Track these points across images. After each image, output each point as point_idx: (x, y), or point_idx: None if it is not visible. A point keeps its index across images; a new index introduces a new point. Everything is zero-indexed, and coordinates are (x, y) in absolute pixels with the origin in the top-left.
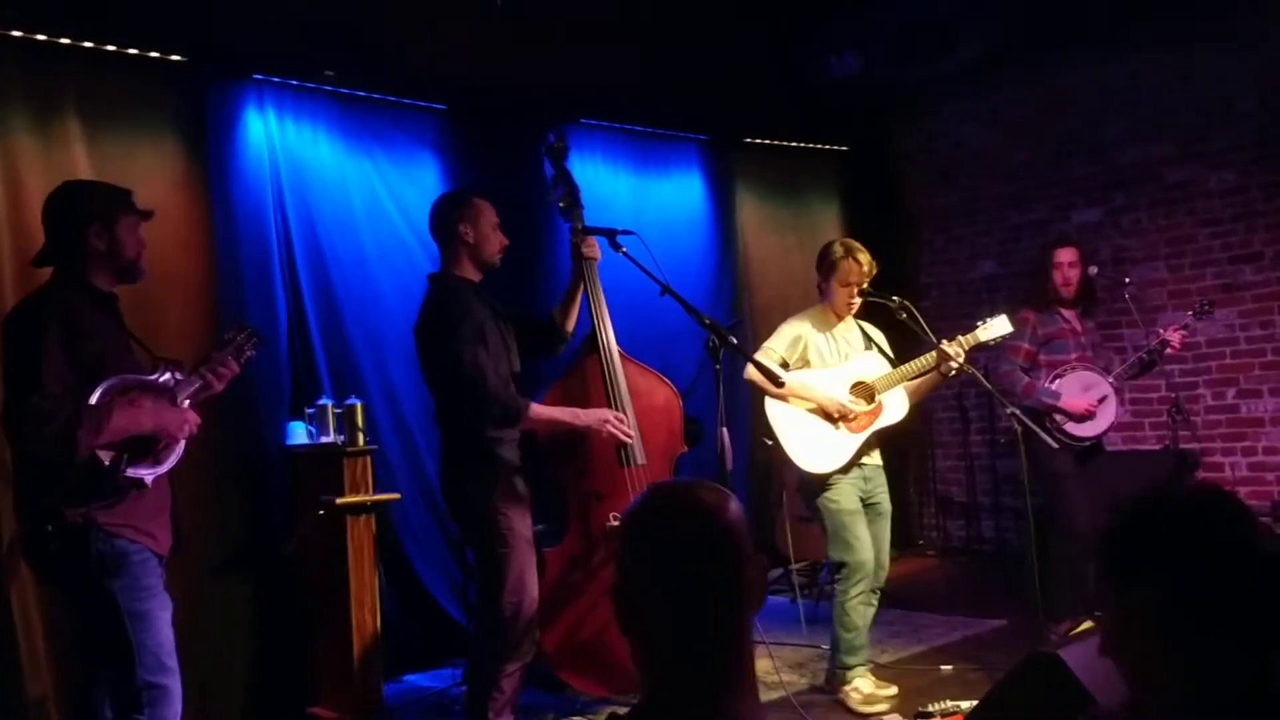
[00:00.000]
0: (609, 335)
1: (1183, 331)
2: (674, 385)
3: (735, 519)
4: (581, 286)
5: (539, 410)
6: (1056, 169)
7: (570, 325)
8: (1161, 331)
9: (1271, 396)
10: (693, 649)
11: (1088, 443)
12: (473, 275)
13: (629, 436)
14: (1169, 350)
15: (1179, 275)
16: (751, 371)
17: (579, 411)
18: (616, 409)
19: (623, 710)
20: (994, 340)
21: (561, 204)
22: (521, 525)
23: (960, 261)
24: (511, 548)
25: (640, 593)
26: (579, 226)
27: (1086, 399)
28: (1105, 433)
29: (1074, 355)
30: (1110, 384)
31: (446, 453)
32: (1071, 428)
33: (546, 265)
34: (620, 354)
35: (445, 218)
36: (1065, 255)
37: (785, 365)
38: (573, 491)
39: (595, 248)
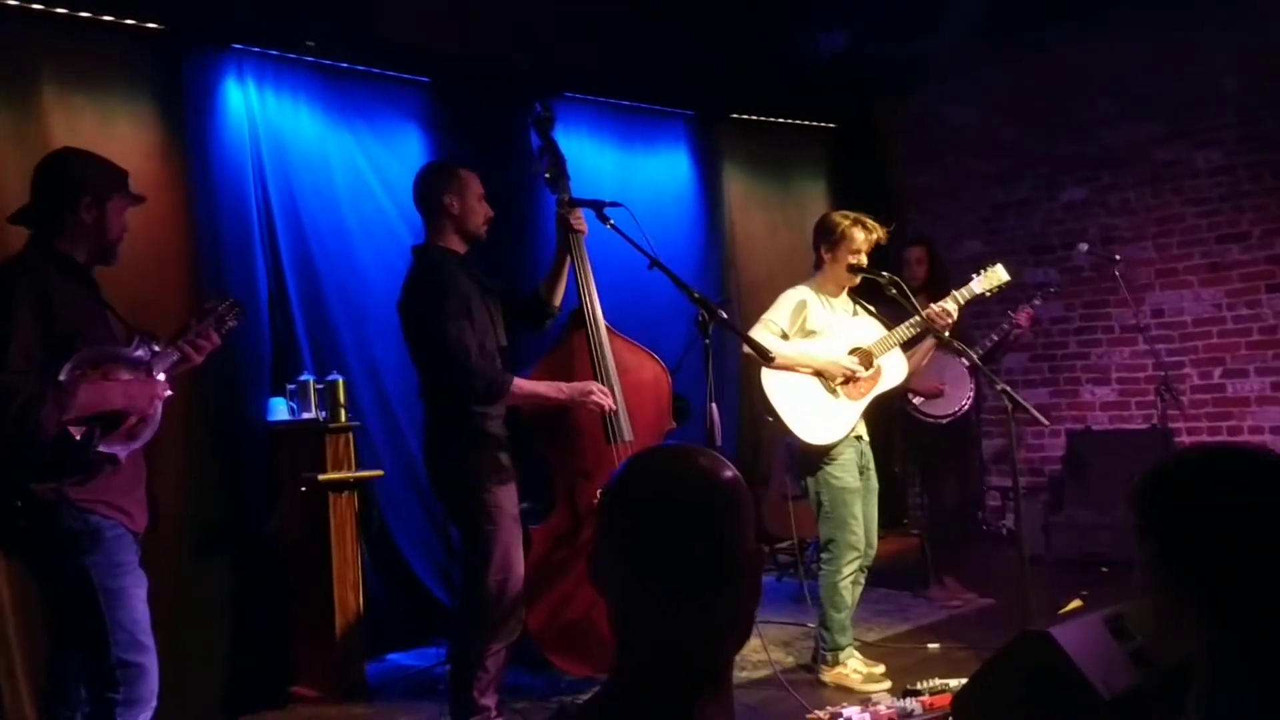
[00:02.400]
0: (596, 310)
1: (1030, 312)
2: (662, 361)
3: (731, 483)
4: (568, 260)
5: (523, 385)
6: (1043, 147)
7: (557, 300)
8: (1013, 314)
9: (1257, 376)
10: (675, 631)
11: (945, 420)
12: (458, 247)
13: (611, 407)
14: (1018, 330)
15: (1166, 254)
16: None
17: (562, 385)
18: (603, 384)
19: (584, 697)
20: (990, 291)
21: (547, 175)
22: (507, 502)
23: (946, 240)
24: (497, 525)
25: (618, 563)
26: (565, 198)
27: (933, 380)
28: (960, 411)
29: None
30: (964, 365)
31: (431, 428)
32: (926, 406)
33: (531, 240)
34: (608, 329)
35: (430, 189)
36: (912, 254)
37: (785, 338)
38: (559, 469)
39: (582, 220)
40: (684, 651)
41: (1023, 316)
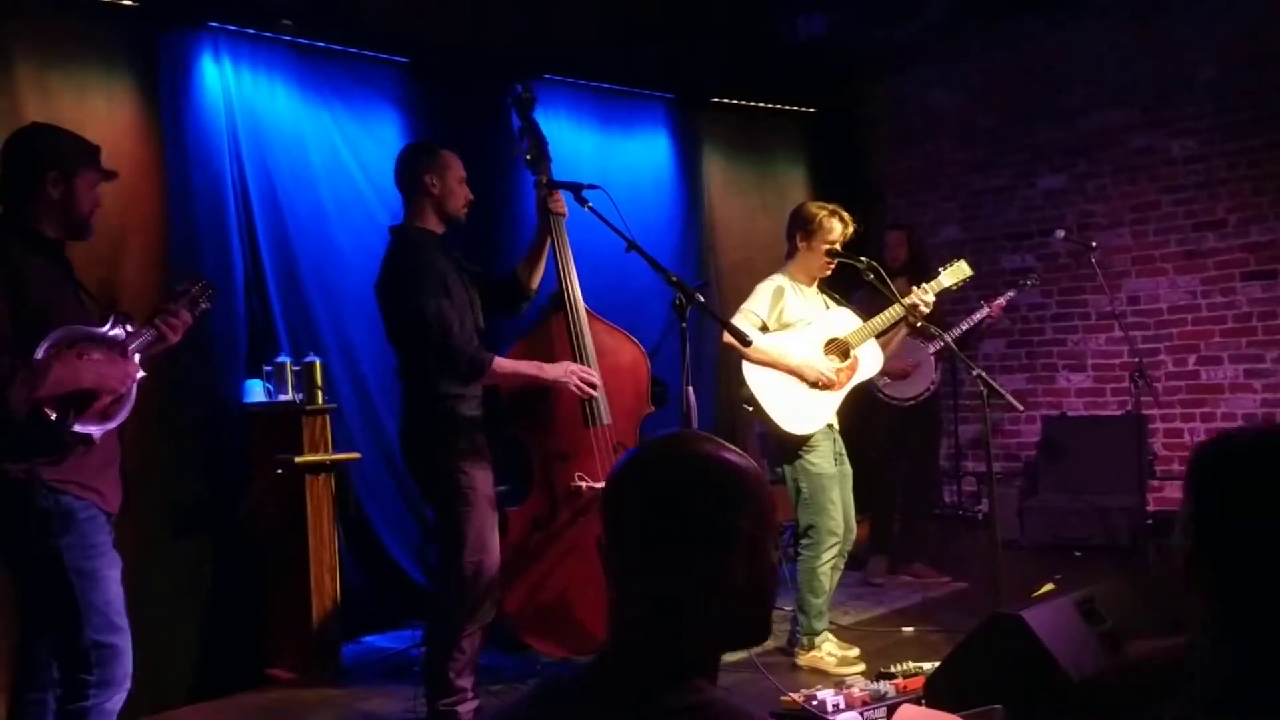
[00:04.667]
0: (575, 292)
1: (1003, 302)
2: (641, 345)
3: (726, 472)
4: (548, 242)
5: (503, 364)
6: (1021, 135)
7: (534, 282)
8: (986, 304)
9: (1231, 363)
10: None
11: (909, 403)
12: (435, 228)
13: (592, 392)
14: (989, 319)
15: (1143, 241)
16: (728, 336)
17: (544, 365)
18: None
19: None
20: (957, 284)
21: (528, 156)
22: (483, 484)
23: (924, 226)
24: (473, 506)
25: (627, 555)
26: (545, 180)
27: (901, 362)
28: (924, 395)
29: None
30: (931, 352)
31: (407, 410)
32: (891, 389)
33: (510, 223)
34: (587, 312)
35: (411, 168)
36: (892, 237)
37: (765, 329)
38: (536, 451)
39: (562, 203)
40: (681, 614)
41: (996, 305)
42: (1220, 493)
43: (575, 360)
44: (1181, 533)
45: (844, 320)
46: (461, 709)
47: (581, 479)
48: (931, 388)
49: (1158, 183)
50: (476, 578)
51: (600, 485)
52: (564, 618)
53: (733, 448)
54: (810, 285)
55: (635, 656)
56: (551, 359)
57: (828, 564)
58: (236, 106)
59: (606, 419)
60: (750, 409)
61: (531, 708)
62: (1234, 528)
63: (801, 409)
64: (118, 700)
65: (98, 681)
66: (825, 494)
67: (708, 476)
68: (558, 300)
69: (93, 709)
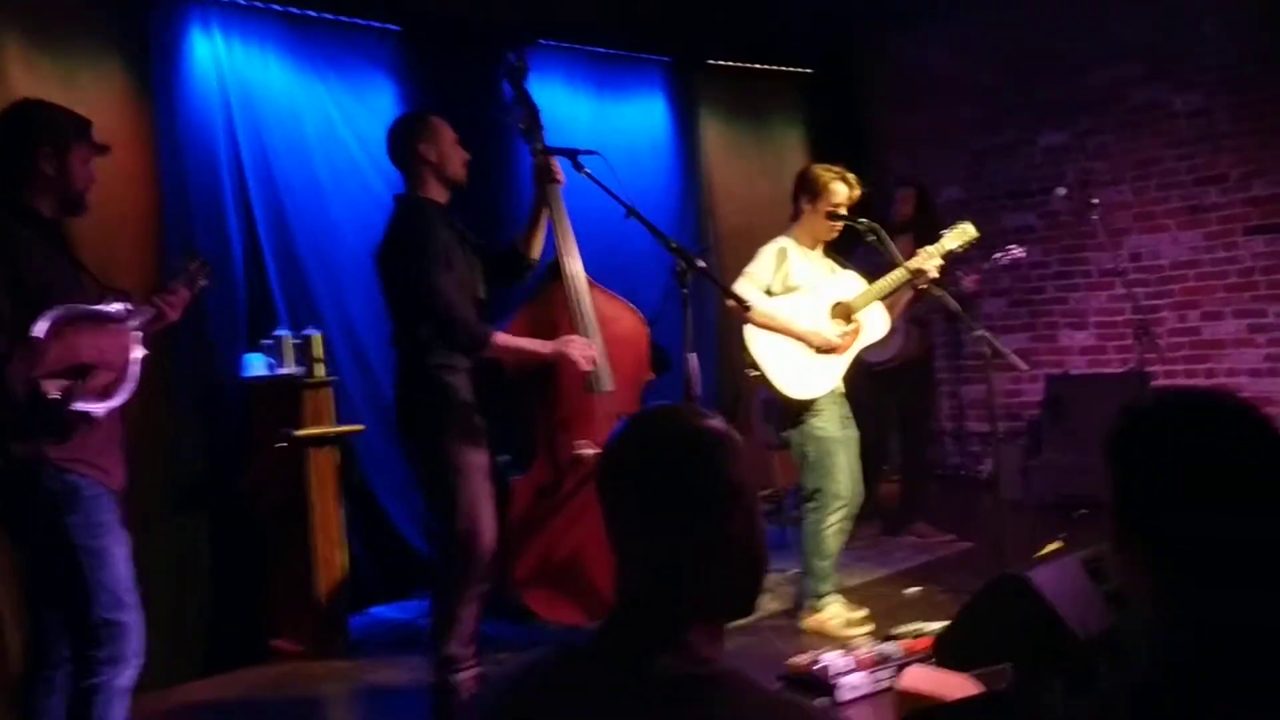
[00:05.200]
0: (574, 261)
1: (978, 276)
2: (640, 312)
3: (715, 436)
4: (545, 211)
5: (504, 339)
6: (1023, 92)
7: (535, 252)
8: (961, 275)
9: (1234, 319)
10: (665, 576)
11: (880, 367)
12: (439, 196)
13: (590, 367)
14: (969, 292)
15: (1145, 198)
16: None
17: (544, 342)
18: (583, 336)
19: None
20: (961, 246)
21: (522, 125)
22: (475, 455)
23: (926, 186)
24: (464, 474)
25: (621, 519)
26: (540, 148)
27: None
28: (894, 359)
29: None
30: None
31: (400, 380)
32: (867, 352)
33: (508, 191)
34: (587, 280)
35: (404, 140)
36: (901, 193)
37: (769, 293)
38: (539, 419)
39: (559, 171)
40: (680, 576)
41: (969, 280)
42: (1148, 467)
43: (575, 328)
44: (1111, 513)
45: (849, 284)
46: (460, 678)
47: (585, 446)
48: (902, 353)
49: (1160, 138)
50: (469, 547)
51: None
52: (576, 583)
53: (714, 416)
54: (814, 249)
55: (639, 621)
56: (552, 327)
57: (833, 527)
58: (229, 79)
59: (609, 385)
60: (755, 374)
61: (534, 674)
62: (1165, 503)
63: (807, 374)
64: (129, 676)
65: (108, 658)
66: (832, 458)
67: (702, 442)
68: (556, 269)
69: (104, 685)
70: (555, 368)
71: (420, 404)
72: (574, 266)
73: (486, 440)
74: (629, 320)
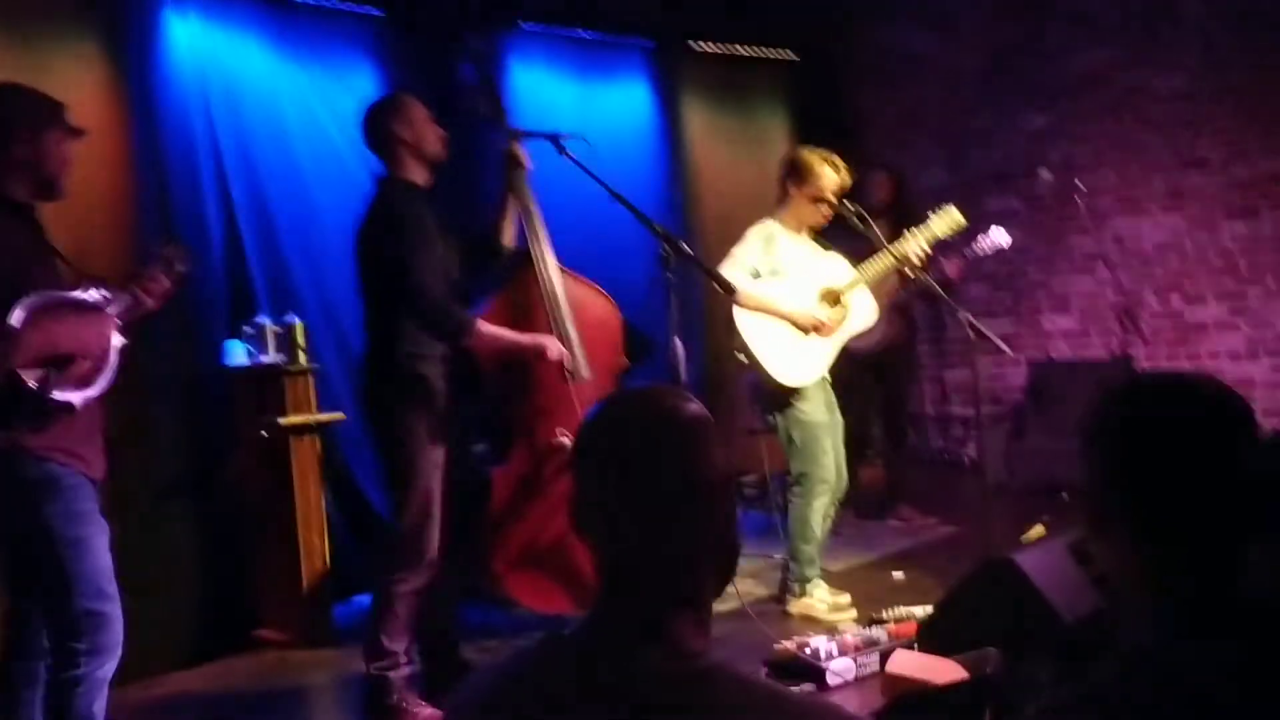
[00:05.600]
0: (544, 248)
1: (959, 263)
2: (614, 299)
3: (693, 420)
4: (513, 198)
5: (486, 329)
6: (1005, 76)
7: (506, 239)
8: (943, 260)
9: (1216, 302)
10: (644, 563)
11: (863, 352)
12: (419, 178)
13: (569, 360)
14: (952, 278)
15: (1128, 180)
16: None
17: (524, 336)
18: (555, 324)
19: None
20: (949, 233)
21: (486, 111)
22: (433, 449)
23: (910, 170)
24: (419, 471)
25: (596, 505)
26: (509, 133)
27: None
28: (877, 344)
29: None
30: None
31: (368, 364)
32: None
33: (489, 177)
34: (558, 267)
35: (378, 124)
36: (874, 178)
37: (757, 275)
38: (516, 408)
39: (525, 157)
40: (659, 569)
41: (951, 266)
42: (1130, 450)
43: (548, 315)
44: (1092, 496)
45: (837, 268)
46: (393, 675)
47: (564, 434)
48: (884, 339)
49: (1142, 121)
50: (415, 537)
51: None
52: (561, 570)
53: (691, 397)
54: (801, 233)
55: (622, 613)
56: (527, 314)
57: (819, 512)
58: (207, 63)
59: (585, 373)
60: (743, 357)
61: (519, 670)
62: (1147, 485)
63: (795, 359)
64: (109, 668)
65: (89, 649)
66: (817, 443)
67: (678, 425)
68: (527, 256)
69: (85, 677)
70: (533, 356)
71: (386, 394)
72: (543, 252)
73: (449, 436)
74: (602, 306)
